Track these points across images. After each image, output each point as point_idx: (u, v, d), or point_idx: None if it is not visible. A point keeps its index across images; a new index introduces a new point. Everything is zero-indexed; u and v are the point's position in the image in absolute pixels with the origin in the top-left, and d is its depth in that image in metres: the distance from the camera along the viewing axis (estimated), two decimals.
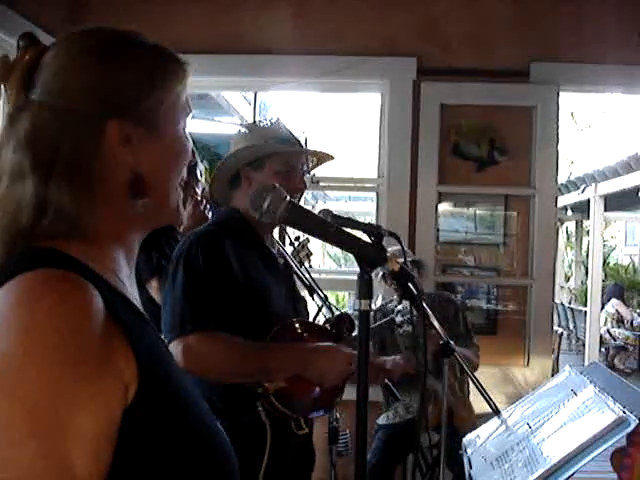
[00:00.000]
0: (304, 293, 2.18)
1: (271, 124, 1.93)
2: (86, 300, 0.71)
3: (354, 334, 1.85)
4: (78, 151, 0.78)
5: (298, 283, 2.14)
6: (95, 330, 0.70)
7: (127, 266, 0.87)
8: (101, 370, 0.69)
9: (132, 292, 0.86)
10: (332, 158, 2.07)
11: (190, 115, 0.91)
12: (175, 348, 1.61)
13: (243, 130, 1.99)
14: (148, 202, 0.84)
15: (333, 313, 2.08)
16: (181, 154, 0.89)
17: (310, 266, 2.68)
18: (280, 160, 1.85)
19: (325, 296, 2.21)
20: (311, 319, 2.06)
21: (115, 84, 0.81)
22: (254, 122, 2.15)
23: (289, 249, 2.60)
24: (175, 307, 1.68)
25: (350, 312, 2.00)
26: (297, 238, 2.70)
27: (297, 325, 1.85)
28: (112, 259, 0.83)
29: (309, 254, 2.70)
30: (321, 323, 2.03)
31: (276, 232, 2.56)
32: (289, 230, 2.71)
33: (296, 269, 2.47)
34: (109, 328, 0.71)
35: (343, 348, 1.77)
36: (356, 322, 1.97)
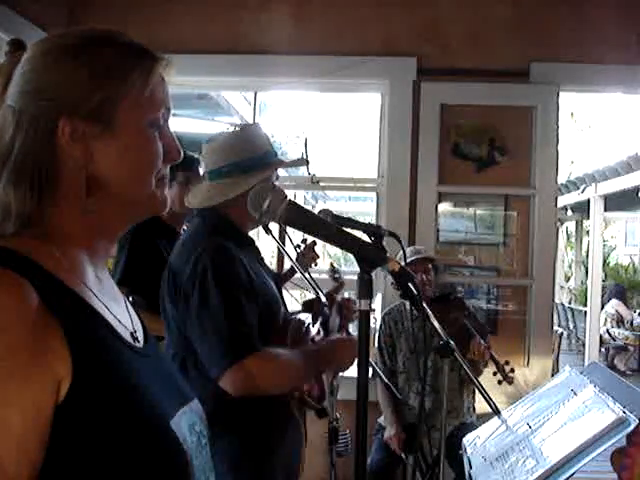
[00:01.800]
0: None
1: (257, 132, 1.92)
2: (17, 298, 0.72)
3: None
4: (27, 151, 0.81)
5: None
6: (24, 327, 0.71)
7: (91, 263, 0.87)
8: (29, 366, 0.70)
9: (101, 289, 0.87)
10: (306, 163, 2.12)
11: (168, 112, 0.90)
12: (234, 375, 1.57)
13: (242, 131, 1.96)
14: (103, 201, 0.85)
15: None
16: (143, 151, 0.86)
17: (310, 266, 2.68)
18: (270, 171, 1.88)
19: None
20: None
21: (67, 83, 0.82)
22: (245, 125, 2.13)
23: (291, 251, 2.60)
24: (219, 331, 1.61)
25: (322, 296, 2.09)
26: (304, 240, 2.69)
27: (300, 323, 1.88)
28: (71, 256, 0.83)
29: (315, 257, 2.69)
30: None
31: (276, 232, 2.56)
32: (289, 231, 2.70)
33: (299, 271, 2.48)
34: (43, 325, 0.72)
35: (344, 338, 1.86)
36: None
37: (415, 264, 3.12)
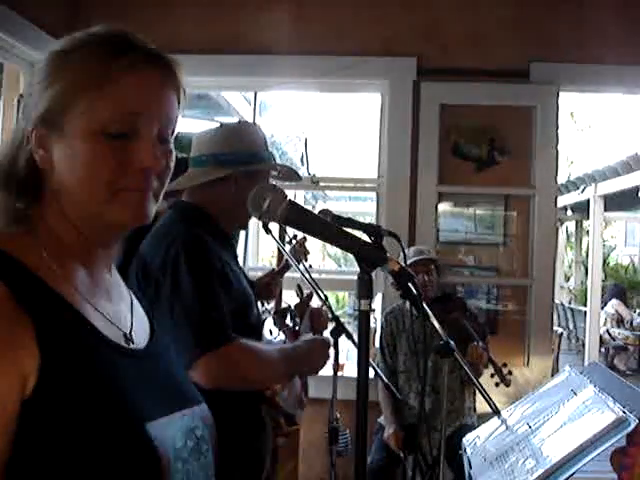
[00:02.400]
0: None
1: (259, 132, 1.91)
2: None
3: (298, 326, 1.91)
4: (13, 161, 0.87)
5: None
6: None
7: (83, 264, 0.88)
8: None
9: (93, 289, 0.87)
10: (299, 178, 2.12)
11: (139, 116, 0.84)
12: (208, 364, 1.53)
13: (233, 127, 1.96)
14: (68, 206, 0.86)
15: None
16: (87, 160, 0.83)
17: (310, 266, 2.69)
18: (267, 175, 1.87)
19: (325, 296, 2.21)
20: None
21: (34, 96, 0.86)
22: (241, 121, 2.12)
23: (287, 247, 2.61)
24: (193, 318, 1.57)
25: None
26: (295, 237, 2.71)
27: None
28: (60, 257, 0.85)
29: (306, 252, 2.71)
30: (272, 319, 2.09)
31: (276, 232, 2.56)
32: (289, 230, 2.71)
33: (295, 266, 2.48)
34: (13, 321, 0.74)
35: (318, 338, 1.82)
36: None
37: (417, 265, 3.12)
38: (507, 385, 2.84)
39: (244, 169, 1.81)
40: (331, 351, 1.77)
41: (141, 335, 0.94)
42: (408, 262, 3.12)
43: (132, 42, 0.87)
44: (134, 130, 0.84)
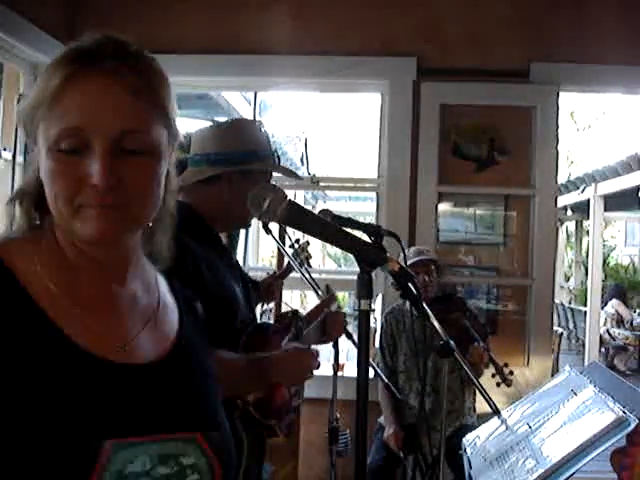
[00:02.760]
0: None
1: (258, 130, 1.90)
2: None
3: (305, 332, 1.85)
4: (28, 177, 0.91)
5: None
6: None
7: (88, 272, 0.88)
8: None
9: (90, 299, 0.87)
10: (299, 177, 2.10)
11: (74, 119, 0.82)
12: None
13: (229, 126, 1.94)
14: (54, 216, 0.87)
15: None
16: (47, 175, 0.83)
17: (310, 266, 2.69)
18: (265, 175, 1.86)
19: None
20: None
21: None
22: (237, 119, 2.08)
23: (289, 251, 2.61)
24: None
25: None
26: (297, 240, 2.70)
27: (262, 328, 1.84)
28: (57, 265, 0.87)
29: (309, 257, 2.71)
30: (273, 322, 2.03)
31: (276, 232, 2.56)
32: (289, 230, 2.71)
33: (297, 269, 2.48)
34: None
35: (302, 348, 1.76)
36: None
37: (417, 265, 3.12)
38: (508, 385, 2.84)
39: (237, 168, 1.80)
40: (316, 362, 1.72)
41: (150, 350, 0.91)
42: (408, 262, 3.12)
43: (93, 53, 0.83)
44: (85, 145, 0.82)
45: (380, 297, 3.68)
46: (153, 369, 0.90)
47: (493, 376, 2.86)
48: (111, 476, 0.77)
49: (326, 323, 1.96)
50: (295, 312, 1.93)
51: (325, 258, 13.76)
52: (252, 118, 4.12)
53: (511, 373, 2.89)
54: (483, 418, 2.01)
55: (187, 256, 1.63)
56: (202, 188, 1.82)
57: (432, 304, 3.10)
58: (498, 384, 2.83)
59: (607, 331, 9.53)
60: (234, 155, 1.81)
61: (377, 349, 3.36)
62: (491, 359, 2.90)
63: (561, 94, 3.64)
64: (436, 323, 1.78)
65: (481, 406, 3.06)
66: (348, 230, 1.33)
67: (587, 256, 10.78)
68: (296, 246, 2.68)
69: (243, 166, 1.80)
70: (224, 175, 1.80)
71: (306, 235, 2.28)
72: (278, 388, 1.66)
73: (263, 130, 1.90)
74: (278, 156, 1.91)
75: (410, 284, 1.31)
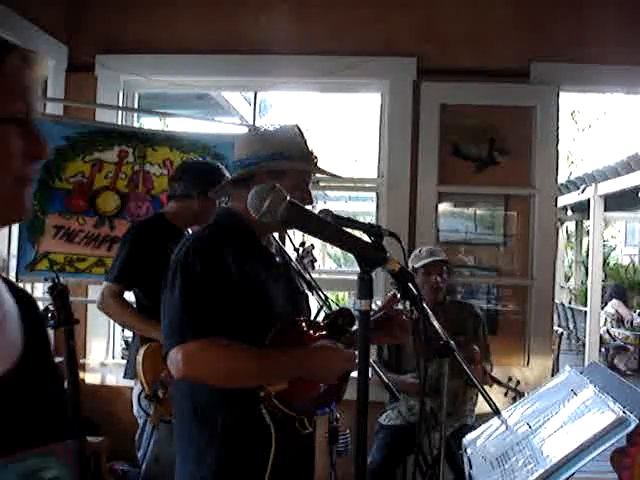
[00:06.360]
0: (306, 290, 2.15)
1: (292, 133, 1.89)
2: None
3: (353, 328, 1.82)
4: None
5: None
6: None
7: None
8: None
9: None
10: (339, 177, 2.07)
11: (29, 106, 0.83)
12: (175, 356, 1.59)
13: (262, 131, 1.94)
14: None
15: (331, 309, 2.07)
16: None
17: (313, 269, 2.68)
18: (300, 176, 1.84)
19: (325, 296, 2.20)
20: (313, 316, 2.04)
21: None
22: (268, 125, 2.06)
23: (292, 254, 2.60)
24: (173, 315, 1.65)
25: (350, 307, 1.96)
26: (302, 244, 2.69)
27: (297, 323, 1.84)
28: None
29: (313, 260, 2.70)
30: (321, 319, 2.01)
31: (276, 233, 2.56)
32: (290, 232, 2.70)
33: (298, 270, 2.47)
34: None
35: (340, 347, 1.76)
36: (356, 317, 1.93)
37: (431, 266, 3.11)
38: (522, 396, 2.85)
39: (265, 169, 1.79)
40: (350, 364, 1.71)
41: (6, 358, 0.83)
42: (422, 263, 3.11)
43: None
44: (28, 118, 0.84)
45: (380, 297, 3.68)
46: (1, 384, 0.82)
47: (505, 395, 2.89)
48: None
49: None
50: (341, 310, 1.91)
51: (325, 258, 13.75)
52: (252, 119, 4.12)
53: (518, 383, 2.91)
54: (483, 418, 2.01)
55: (220, 257, 1.66)
56: (241, 193, 1.82)
57: (445, 305, 3.13)
58: (514, 398, 2.86)
59: (607, 331, 9.53)
60: (262, 157, 1.81)
61: (376, 349, 3.36)
62: (495, 380, 2.92)
63: (561, 94, 3.65)
64: (436, 323, 1.78)
65: (481, 406, 3.06)
66: (348, 230, 1.34)
67: (587, 256, 10.78)
68: (300, 250, 2.67)
69: (270, 166, 1.80)
70: (256, 177, 1.80)
71: (306, 235, 2.28)
72: (306, 385, 1.67)
73: (296, 133, 1.88)
74: (316, 157, 1.90)
75: (410, 284, 1.32)
